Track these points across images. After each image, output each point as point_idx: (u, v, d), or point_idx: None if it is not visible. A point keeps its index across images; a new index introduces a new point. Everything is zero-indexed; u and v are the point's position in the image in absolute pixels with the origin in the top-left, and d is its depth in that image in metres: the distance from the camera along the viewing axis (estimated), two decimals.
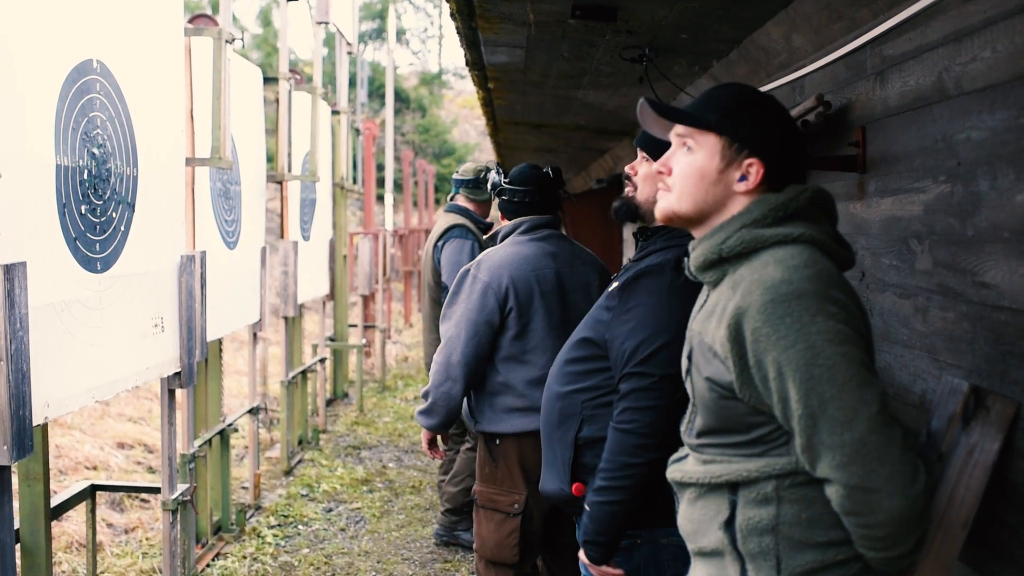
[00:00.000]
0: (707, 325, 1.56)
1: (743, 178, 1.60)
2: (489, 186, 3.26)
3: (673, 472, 1.68)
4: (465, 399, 3.01)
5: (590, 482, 2.20)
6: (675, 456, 1.72)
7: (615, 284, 2.25)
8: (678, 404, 1.94)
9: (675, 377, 1.94)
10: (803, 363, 1.40)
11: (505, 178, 3.13)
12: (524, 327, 2.89)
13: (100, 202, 2.67)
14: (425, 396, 3.00)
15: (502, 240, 3.08)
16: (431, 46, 40.24)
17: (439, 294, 4.38)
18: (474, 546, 3.02)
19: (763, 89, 3.12)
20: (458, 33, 3.61)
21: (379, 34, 27.31)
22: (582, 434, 2.22)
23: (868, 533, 1.42)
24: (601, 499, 2.06)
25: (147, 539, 4.60)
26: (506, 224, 3.11)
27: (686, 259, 1.68)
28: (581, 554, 2.17)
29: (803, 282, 1.44)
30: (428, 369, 3.93)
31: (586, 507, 2.13)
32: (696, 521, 1.60)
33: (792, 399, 1.42)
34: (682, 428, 1.70)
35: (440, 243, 4.35)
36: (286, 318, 5.79)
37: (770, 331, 1.43)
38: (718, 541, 1.55)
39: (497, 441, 2.92)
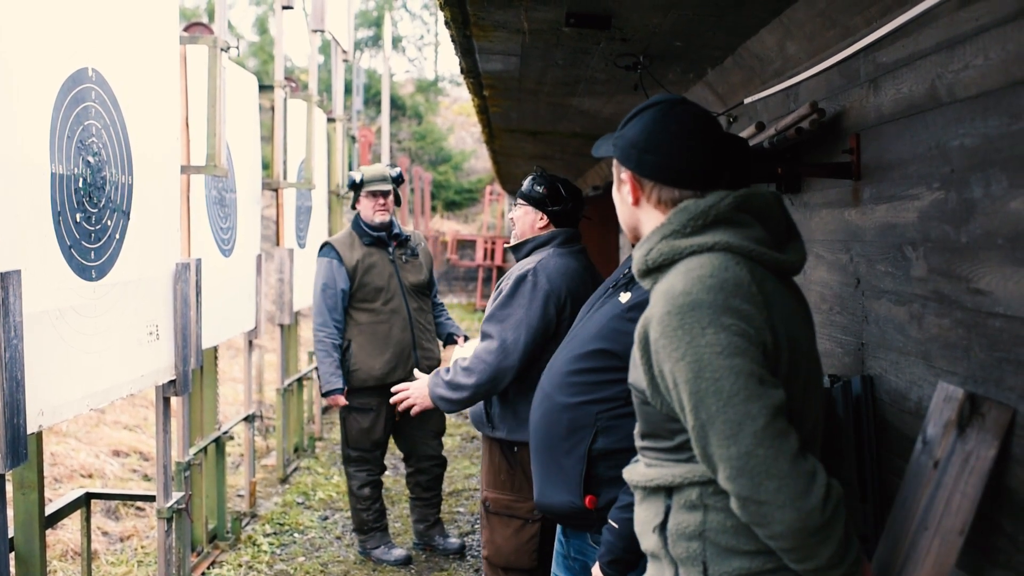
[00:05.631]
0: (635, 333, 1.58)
1: (630, 192, 1.65)
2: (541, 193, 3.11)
3: (625, 473, 1.69)
4: (483, 405, 3.00)
5: (603, 494, 2.16)
6: (633, 459, 1.73)
7: (628, 295, 2.22)
8: None
9: None
10: (691, 376, 1.41)
11: (542, 187, 3.06)
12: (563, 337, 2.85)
13: (95, 210, 2.66)
14: (457, 387, 2.93)
15: (536, 249, 3.06)
16: (427, 53, 40.30)
17: None
18: (484, 553, 2.98)
19: (757, 97, 3.14)
20: (453, 41, 3.61)
21: (375, 42, 27.35)
22: (596, 446, 2.18)
23: (775, 545, 1.40)
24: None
25: (142, 547, 4.58)
26: (541, 233, 3.09)
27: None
28: (596, 570, 2.08)
29: (702, 293, 1.43)
30: None
31: (612, 523, 2.05)
32: (640, 522, 1.62)
33: (686, 410, 1.43)
34: (635, 432, 1.70)
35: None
36: (282, 325, 5.78)
37: (666, 342, 1.44)
38: (654, 543, 1.56)
39: (515, 449, 2.91)
